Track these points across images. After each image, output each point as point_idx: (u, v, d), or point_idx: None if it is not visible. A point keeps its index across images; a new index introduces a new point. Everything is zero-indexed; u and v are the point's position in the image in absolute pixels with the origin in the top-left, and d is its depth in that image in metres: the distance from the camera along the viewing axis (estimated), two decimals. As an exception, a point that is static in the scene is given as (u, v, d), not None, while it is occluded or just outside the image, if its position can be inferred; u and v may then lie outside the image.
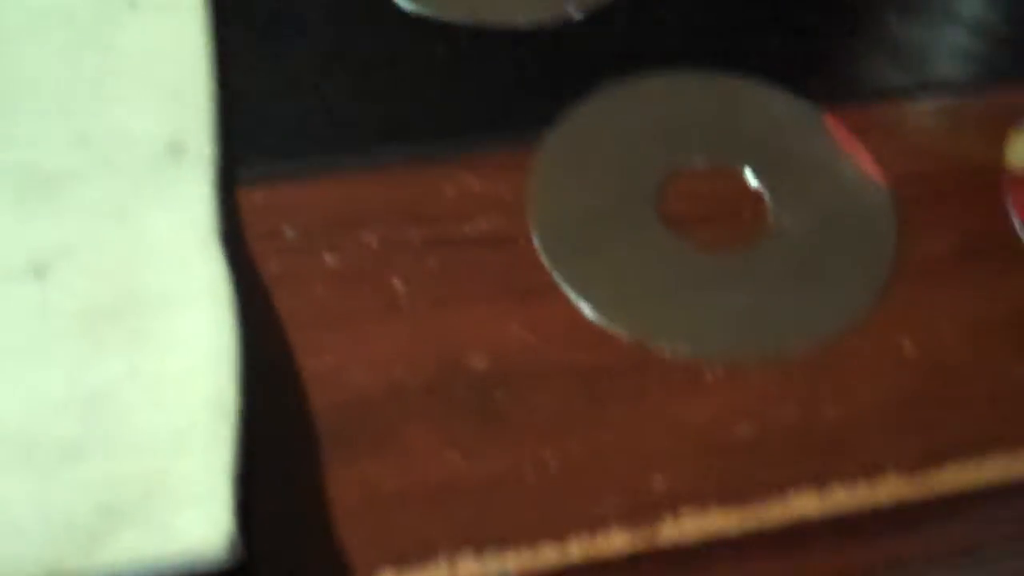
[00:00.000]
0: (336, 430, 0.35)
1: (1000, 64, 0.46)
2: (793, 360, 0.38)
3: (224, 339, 0.34)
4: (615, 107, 0.43)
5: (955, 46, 0.46)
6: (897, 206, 0.42)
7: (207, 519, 0.31)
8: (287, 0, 0.46)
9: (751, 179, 0.42)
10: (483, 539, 0.34)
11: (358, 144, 0.42)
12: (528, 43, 0.45)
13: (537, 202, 0.41)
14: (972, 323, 0.39)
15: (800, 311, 0.39)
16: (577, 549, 0.34)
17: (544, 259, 0.40)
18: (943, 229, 0.41)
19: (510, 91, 0.44)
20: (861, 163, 0.42)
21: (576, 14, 0.46)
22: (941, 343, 0.38)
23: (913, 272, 0.40)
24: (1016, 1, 0.47)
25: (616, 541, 0.34)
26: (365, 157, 0.42)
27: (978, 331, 0.39)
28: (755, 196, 0.42)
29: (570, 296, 0.39)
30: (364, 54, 0.45)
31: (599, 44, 0.45)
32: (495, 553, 0.34)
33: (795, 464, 0.36)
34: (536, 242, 0.40)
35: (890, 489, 0.35)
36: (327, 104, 0.43)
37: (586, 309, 0.39)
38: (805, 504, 0.35)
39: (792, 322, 0.39)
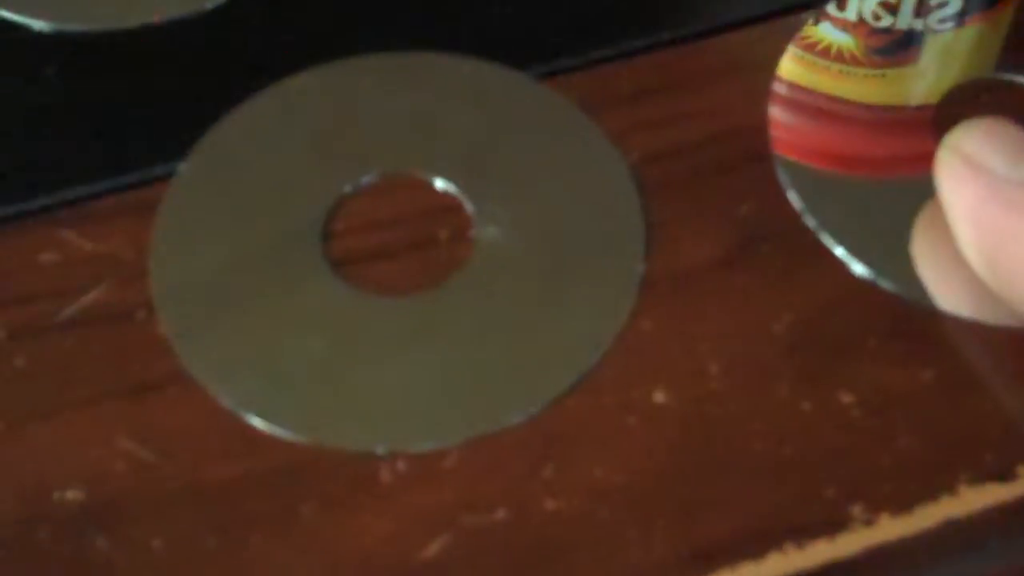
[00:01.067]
0: None
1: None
2: (504, 438, 0.27)
3: None
4: (264, 119, 0.32)
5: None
6: (644, 197, 0.31)
7: None
8: None
9: (448, 188, 0.31)
10: None
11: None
12: (150, 48, 0.34)
13: (160, 259, 0.30)
14: (742, 351, 0.28)
15: (515, 366, 0.29)
16: None
17: (168, 337, 0.29)
18: (701, 221, 0.30)
19: (129, 115, 0.33)
20: (594, 145, 0.32)
21: (207, 3, 0.35)
22: (704, 385, 0.28)
23: (666, 290, 0.30)
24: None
25: None
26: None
27: (750, 361, 0.28)
28: (455, 209, 0.31)
29: (202, 386, 0.28)
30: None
31: (239, 39, 0.34)
32: None
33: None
34: (159, 314, 0.29)
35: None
36: None
37: (224, 402, 0.28)
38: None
39: (503, 384, 0.28)
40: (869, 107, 0.33)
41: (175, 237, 0.31)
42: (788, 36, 0.34)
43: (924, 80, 0.34)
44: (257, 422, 0.28)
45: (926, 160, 0.29)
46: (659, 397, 0.28)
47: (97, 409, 0.29)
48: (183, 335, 0.29)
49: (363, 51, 0.34)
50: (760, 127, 0.32)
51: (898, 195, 0.31)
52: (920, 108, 0.33)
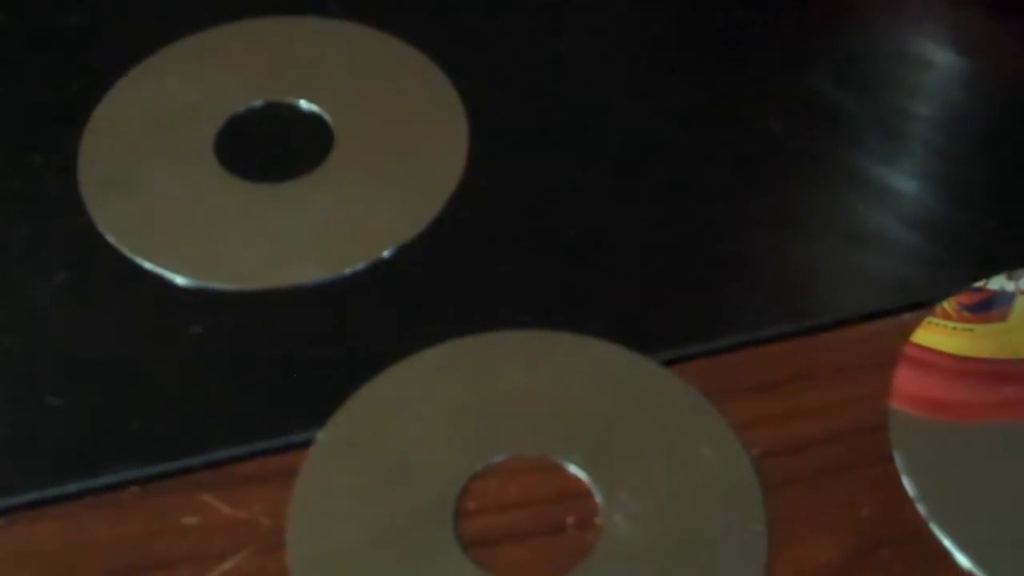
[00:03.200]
0: None
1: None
2: None
3: None
4: (401, 392, 0.34)
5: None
6: (767, 495, 0.32)
7: None
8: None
9: (577, 472, 0.32)
10: None
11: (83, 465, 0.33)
12: (293, 312, 0.36)
13: (298, 529, 0.31)
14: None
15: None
16: None
17: (304, 611, 0.30)
18: (823, 521, 0.31)
19: (271, 379, 0.35)
20: (719, 437, 0.33)
21: (346, 269, 0.37)
22: None
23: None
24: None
25: None
26: (87, 483, 0.32)
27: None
28: (583, 495, 0.32)
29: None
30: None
31: (379, 308, 0.36)
32: None
33: None
34: (296, 586, 0.30)
35: None
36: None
37: None
38: None
39: None
40: (955, 358, 0.35)
41: (313, 507, 0.32)
42: (908, 331, 0.35)
43: (1011, 336, 0.35)
44: None
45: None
46: None
47: None
48: (319, 610, 0.30)
49: (492, 328, 0.35)
50: (880, 425, 0.33)
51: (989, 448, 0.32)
52: (1005, 362, 0.34)
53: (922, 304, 0.36)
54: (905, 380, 0.34)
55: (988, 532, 0.31)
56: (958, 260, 0.37)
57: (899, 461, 0.33)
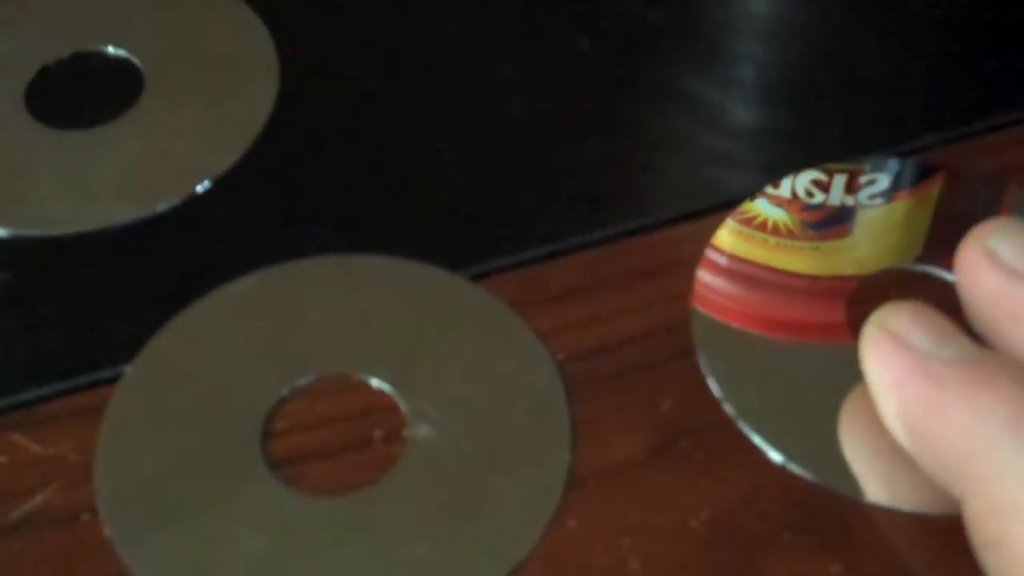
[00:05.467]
0: None
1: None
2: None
3: None
4: (207, 323, 0.34)
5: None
6: (570, 394, 0.32)
7: None
8: None
9: (383, 387, 0.33)
10: None
11: None
12: (99, 252, 0.36)
13: (105, 463, 0.31)
14: (663, 548, 0.30)
15: (445, 564, 0.31)
16: None
17: (112, 539, 0.30)
18: (625, 418, 0.32)
19: (75, 318, 0.35)
20: (523, 344, 0.33)
21: (159, 206, 0.37)
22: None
23: (591, 487, 0.31)
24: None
25: None
26: None
27: (670, 557, 0.30)
28: (389, 409, 0.32)
29: (142, 590, 0.29)
30: None
31: (185, 244, 0.36)
32: None
33: None
34: (103, 517, 0.31)
35: None
36: None
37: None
38: None
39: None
40: (801, 277, 0.35)
41: (120, 440, 0.32)
42: (708, 237, 0.36)
43: (856, 252, 0.36)
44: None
45: (822, 329, 0.31)
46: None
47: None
48: (126, 538, 0.31)
49: (302, 254, 0.36)
50: (683, 324, 0.34)
51: (818, 373, 0.33)
52: (850, 279, 0.35)
53: (727, 205, 0.36)
54: (706, 284, 0.34)
55: (796, 426, 0.32)
56: (757, 161, 0.37)
57: (703, 362, 0.33)
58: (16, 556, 0.31)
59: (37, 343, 0.34)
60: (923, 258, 0.35)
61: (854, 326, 0.33)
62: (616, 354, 0.34)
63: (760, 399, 0.32)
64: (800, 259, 0.35)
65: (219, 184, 0.38)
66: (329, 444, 0.32)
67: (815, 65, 0.40)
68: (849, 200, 0.36)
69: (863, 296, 0.34)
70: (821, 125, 0.38)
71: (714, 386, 0.33)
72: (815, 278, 0.35)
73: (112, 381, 0.33)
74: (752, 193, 0.36)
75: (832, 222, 0.36)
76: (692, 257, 0.36)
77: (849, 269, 0.35)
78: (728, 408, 0.32)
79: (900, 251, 0.36)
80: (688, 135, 0.38)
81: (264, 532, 0.31)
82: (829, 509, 0.31)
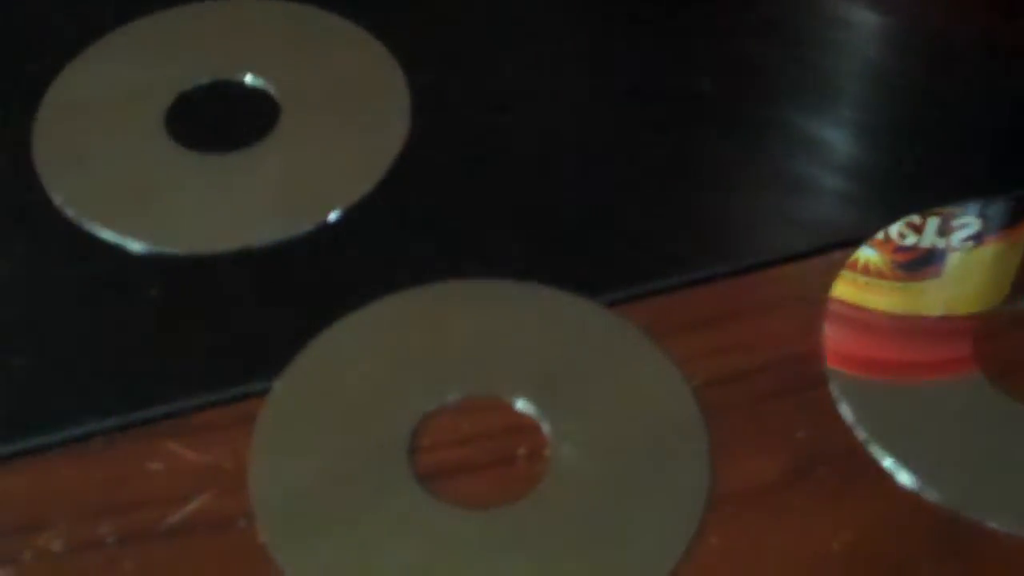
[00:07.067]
0: None
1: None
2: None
3: None
4: (354, 340, 0.35)
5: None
6: (708, 422, 0.33)
7: None
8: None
9: (526, 409, 0.34)
10: None
11: (49, 419, 0.34)
12: (248, 271, 0.37)
13: (259, 471, 0.33)
14: (806, 570, 0.31)
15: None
16: None
17: (267, 546, 0.31)
18: (761, 443, 0.33)
19: (228, 334, 0.36)
20: (660, 370, 0.34)
21: (293, 231, 0.38)
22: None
23: (730, 508, 0.32)
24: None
25: None
26: (56, 434, 0.34)
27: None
28: (532, 429, 0.33)
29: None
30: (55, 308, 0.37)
31: (332, 263, 0.37)
32: None
33: None
34: (258, 523, 0.32)
35: None
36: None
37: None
38: None
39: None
40: (891, 317, 0.36)
41: (272, 450, 0.33)
42: (836, 268, 0.37)
43: (943, 293, 0.37)
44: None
45: (950, 366, 0.33)
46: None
47: (201, 614, 0.31)
48: (281, 544, 0.32)
49: (446, 278, 0.37)
50: (814, 354, 0.35)
51: (949, 406, 0.34)
52: (940, 319, 0.36)
53: (846, 243, 0.38)
54: (836, 338, 0.35)
55: (928, 452, 0.33)
56: (877, 201, 0.39)
57: (834, 391, 0.34)
58: (175, 558, 0.32)
59: (190, 355, 0.36)
60: (1011, 299, 0.36)
61: (981, 360, 0.34)
62: (749, 382, 0.35)
63: (894, 428, 0.33)
64: (887, 298, 0.36)
65: (353, 211, 0.39)
66: (475, 460, 0.33)
67: (930, 107, 0.41)
68: (941, 243, 0.37)
69: (987, 333, 0.35)
70: (936, 167, 0.40)
71: (847, 413, 0.34)
72: (904, 317, 0.36)
73: (261, 394, 0.34)
74: (872, 234, 0.37)
75: (923, 263, 0.37)
76: (819, 290, 0.37)
77: (936, 310, 0.36)
78: (860, 433, 0.33)
79: (988, 292, 0.37)
80: (807, 175, 0.39)
81: (415, 542, 0.32)
82: (965, 537, 0.32)
